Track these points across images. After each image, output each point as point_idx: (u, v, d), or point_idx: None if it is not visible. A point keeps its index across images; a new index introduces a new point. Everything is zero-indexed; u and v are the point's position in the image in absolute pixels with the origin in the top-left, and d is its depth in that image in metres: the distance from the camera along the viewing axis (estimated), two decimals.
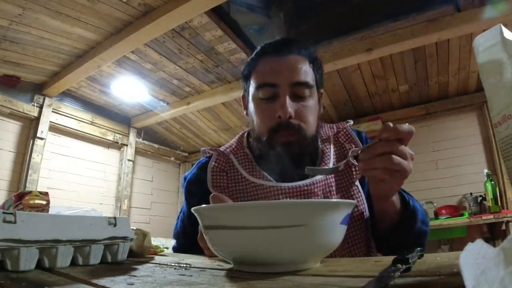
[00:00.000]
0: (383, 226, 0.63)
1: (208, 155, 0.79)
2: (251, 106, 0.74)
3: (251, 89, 0.73)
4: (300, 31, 2.36)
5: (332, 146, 0.76)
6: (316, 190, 0.67)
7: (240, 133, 0.83)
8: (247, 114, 0.78)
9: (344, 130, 0.78)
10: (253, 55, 0.75)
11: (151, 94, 3.06)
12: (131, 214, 3.48)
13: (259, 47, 0.74)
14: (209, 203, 0.39)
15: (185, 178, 0.82)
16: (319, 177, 0.69)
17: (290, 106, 0.65)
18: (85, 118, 3.15)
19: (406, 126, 0.49)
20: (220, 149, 0.79)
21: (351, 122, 0.80)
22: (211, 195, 0.50)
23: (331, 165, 0.72)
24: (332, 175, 0.71)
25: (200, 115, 3.46)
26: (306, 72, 0.69)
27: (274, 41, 0.74)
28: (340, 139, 0.77)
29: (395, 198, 0.60)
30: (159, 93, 3.07)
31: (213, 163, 0.75)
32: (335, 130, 0.79)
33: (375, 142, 0.51)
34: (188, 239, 0.68)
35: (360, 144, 0.74)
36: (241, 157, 0.76)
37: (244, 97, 0.79)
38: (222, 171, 0.74)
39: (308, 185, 0.67)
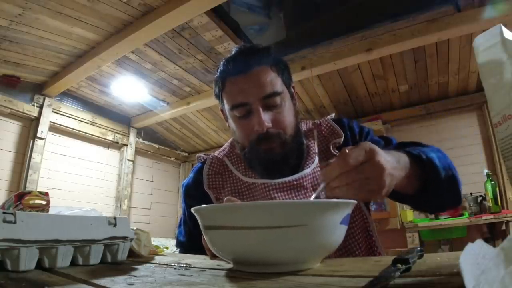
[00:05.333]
0: (409, 192, 0.59)
1: (202, 160, 0.84)
2: (230, 121, 0.77)
3: (226, 107, 0.75)
4: (300, 31, 2.36)
5: (316, 141, 0.80)
6: (305, 183, 0.71)
7: (232, 138, 0.86)
8: (229, 125, 0.81)
9: (326, 123, 0.81)
10: (218, 74, 0.76)
11: (151, 94, 3.05)
12: (131, 214, 3.48)
13: (221, 65, 0.76)
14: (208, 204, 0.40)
15: (183, 185, 0.86)
16: (307, 171, 0.72)
17: (266, 118, 0.68)
18: (85, 118, 3.15)
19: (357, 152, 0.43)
20: (214, 154, 0.83)
21: (333, 115, 0.84)
22: (225, 198, 0.51)
23: (317, 159, 0.75)
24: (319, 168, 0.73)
25: (200, 115, 3.46)
26: (273, 81, 0.70)
27: (234, 57, 0.74)
28: (323, 132, 0.81)
29: (401, 176, 0.51)
30: (159, 93, 3.07)
31: (208, 167, 0.79)
32: (318, 122, 0.83)
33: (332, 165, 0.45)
34: (194, 242, 0.69)
35: (341, 132, 0.77)
36: (234, 160, 0.80)
37: (223, 111, 0.82)
38: (217, 173, 0.78)
39: (297, 180, 0.71)
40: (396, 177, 0.48)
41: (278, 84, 0.72)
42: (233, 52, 0.76)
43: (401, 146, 0.69)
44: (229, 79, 0.73)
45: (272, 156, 0.70)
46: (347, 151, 0.44)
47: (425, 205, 0.66)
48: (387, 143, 0.75)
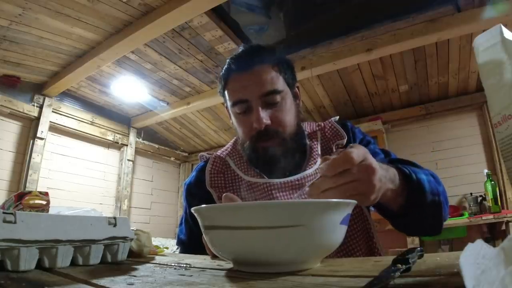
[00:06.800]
0: (393, 208, 0.59)
1: (205, 159, 0.84)
2: (232, 118, 0.79)
3: (228, 104, 0.77)
4: (300, 31, 2.36)
5: (319, 142, 0.80)
6: (307, 184, 0.70)
7: (235, 137, 0.87)
8: (232, 123, 0.82)
9: (330, 124, 0.82)
10: (222, 71, 0.78)
11: (151, 94, 3.05)
12: (131, 214, 3.48)
13: (226, 64, 0.77)
14: (209, 204, 0.39)
15: (185, 184, 0.86)
16: (309, 171, 0.72)
17: (264, 116, 0.69)
18: (85, 118, 3.15)
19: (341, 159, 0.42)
20: (217, 153, 0.84)
21: (337, 117, 0.85)
22: (224, 194, 0.51)
23: (319, 161, 0.75)
24: None
25: (200, 115, 3.46)
26: (273, 80, 0.71)
27: (238, 55, 0.76)
28: (326, 134, 0.81)
29: (388, 187, 0.51)
30: (159, 93, 3.07)
31: (210, 166, 0.80)
32: (322, 124, 0.83)
33: (318, 179, 0.44)
34: (195, 241, 0.69)
35: (344, 133, 0.78)
36: (236, 159, 0.81)
37: (228, 108, 0.83)
38: (219, 172, 0.79)
39: (299, 180, 0.71)
40: (385, 186, 0.48)
41: (279, 82, 0.72)
42: (238, 51, 0.78)
43: (395, 162, 0.68)
44: (231, 76, 0.74)
45: (270, 154, 0.71)
46: (349, 151, 0.42)
47: (404, 226, 0.64)
48: (386, 156, 0.75)
